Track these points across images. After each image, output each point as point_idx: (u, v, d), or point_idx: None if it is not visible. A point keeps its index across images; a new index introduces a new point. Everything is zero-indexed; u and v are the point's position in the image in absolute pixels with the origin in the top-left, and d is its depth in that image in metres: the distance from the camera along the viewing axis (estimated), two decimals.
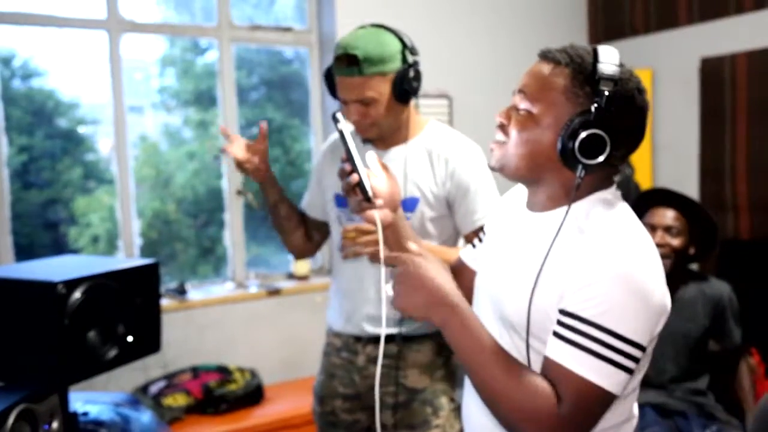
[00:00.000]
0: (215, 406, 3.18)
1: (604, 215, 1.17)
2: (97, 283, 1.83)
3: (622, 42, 4.29)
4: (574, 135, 1.13)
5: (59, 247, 3.92)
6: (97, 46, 3.41)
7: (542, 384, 1.09)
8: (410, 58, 1.85)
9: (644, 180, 4.07)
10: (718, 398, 2.59)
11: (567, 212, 1.17)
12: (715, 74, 3.74)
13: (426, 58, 3.85)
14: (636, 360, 1.09)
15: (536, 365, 1.17)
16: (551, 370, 1.10)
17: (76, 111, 4.11)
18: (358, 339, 2.02)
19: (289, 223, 2.11)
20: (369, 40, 1.80)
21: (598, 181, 1.21)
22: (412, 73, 1.83)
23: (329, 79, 1.91)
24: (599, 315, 1.07)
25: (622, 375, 1.08)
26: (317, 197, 2.14)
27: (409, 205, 1.90)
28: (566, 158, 1.15)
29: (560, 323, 1.11)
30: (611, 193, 1.23)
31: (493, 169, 1.28)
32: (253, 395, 3.27)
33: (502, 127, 1.24)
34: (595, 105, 1.13)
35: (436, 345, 2.00)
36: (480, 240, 1.50)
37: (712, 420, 2.49)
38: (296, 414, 3.10)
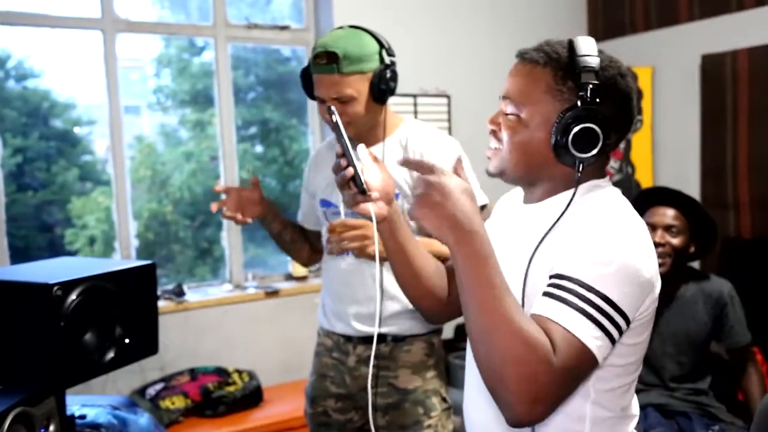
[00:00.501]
0: (214, 408, 3.16)
1: (596, 199, 1.20)
2: (93, 285, 1.80)
3: (622, 40, 4.27)
4: (565, 131, 1.15)
5: (55, 249, 3.90)
6: (92, 46, 3.39)
7: (542, 335, 1.05)
8: (387, 59, 1.87)
9: (645, 178, 4.06)
10: (720, 398, 2.57)
11: (572, 199, 1.18)
12: (716, 71, 3.72)
13: (425, 57, 3.87)
14: (620, 330, 1.09)
15: None
16: (539, 325, 1.07)
17: (72, 112, 4.09)
18: (348, 339, 2.02)
19: (294, 245, 2.21)
20: (348, 39, 1.83)
21: (592, 170, 1.23)
22: (389, 74, 1.86)
23: (305, 78, 1.93)
24: (594, 280, 1.07)
25: (606, 341, 1.08)
26: (310, 210, 2.18)
27: None
28: (561, 155, 1.17)
29: (551, 285, 1.10)
30: (604, 181, 1.26)
31: (492, 175, 1.29)
32: (252, 397, 3.26)
33: (494, 133, 1.26)
34: (580, 99, 1.15)
35: (427, 345, 2.01)
36: None
37: (714, 420, 2.48)
38: (295, 416, 3.07)
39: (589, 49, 1.17)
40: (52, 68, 3.81)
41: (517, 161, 1.22)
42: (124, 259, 3.41)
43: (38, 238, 3.89)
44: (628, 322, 1.10)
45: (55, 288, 1.69)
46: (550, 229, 1.17)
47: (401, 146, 1.95)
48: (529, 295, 1.16)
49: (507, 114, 1.23)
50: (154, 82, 4.29)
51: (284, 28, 3.81)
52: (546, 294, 1.10)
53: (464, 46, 4.06)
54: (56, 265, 2.03)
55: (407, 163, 1.21)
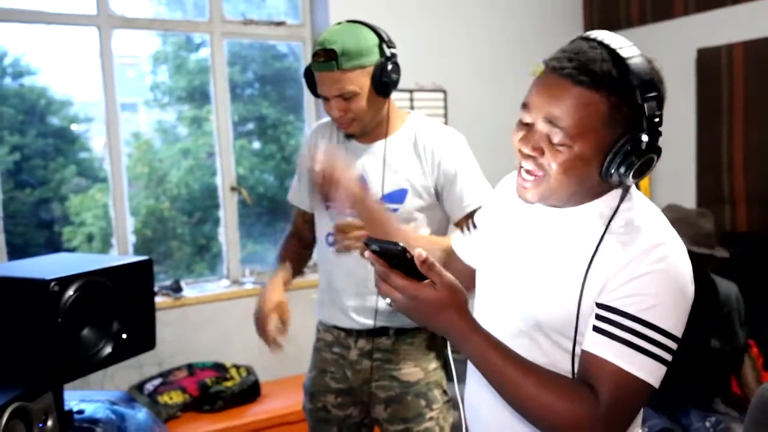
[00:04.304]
0: (211, 404, 3.17)
1: (636, 210, 1.15)
2: (90, 281, 1.81)
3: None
4: (624, 162, 1.08)
5: (53, 246, 3.90)
6: (88, 43, 3.39)
7: (576, 388, 1.08)
8: (388, 51, 1.85)
9: None
10: (715, 390, 2.59)
11: (614, 214, 1.13)
12: (711, 65, 3.73)
13: (421, 52, 3.87)
14: (673, 352, 1.08)
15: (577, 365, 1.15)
16: (592, 365, 1.08)
17: (69, 109, 4.09)
18: (349, 333, 2.01)
19: (302, 268, 2.20)
20: (346, 34, 1.81)
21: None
22: (390, 66, 1.84)
23: (309, 77, 1.91)
24: (643, 311, 1.06)
25: (663, 368, 1.08)
26: (302, 187, 2.13)
27: (398, 196, 1.91)
28: (616, 182, 1.11)
29: (601, 318, 1.09)
30: (634, 192, 1.20)
31: (528, 202, 1.19)
32: (250, 392, 3.27)
33: (532, 159, 1.13)
34: (645, 131, 1.08)
35: (429, 338, 2.01)
36: (470, 228, 1.48)
37: (711, 412, 2.49)
38: (293, 411, 3.08)
39: (640, 65, 1.08)
40: (48, 65, 3.81)
41: (567, 189, 1.13)
42: (121, 255, 3.42)
43: (36, 235, 3.89)
44: (679, 341, 1.09)
45: (53, 284, 1.70)
46: (596, 249, 1.12)
47: (410, 141, 1.94)
48: (585, 312, 1.12)
49: (553, 143, 1.10)
50: (151, 79, 4.28)
51: (280, 24, 3.81)
52: (596, 329, 1.09)
53: (460, 41, 4.06)
54: (53, 262, 2.03)
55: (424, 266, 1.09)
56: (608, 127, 1.08)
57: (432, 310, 1.08)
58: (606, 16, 4.36)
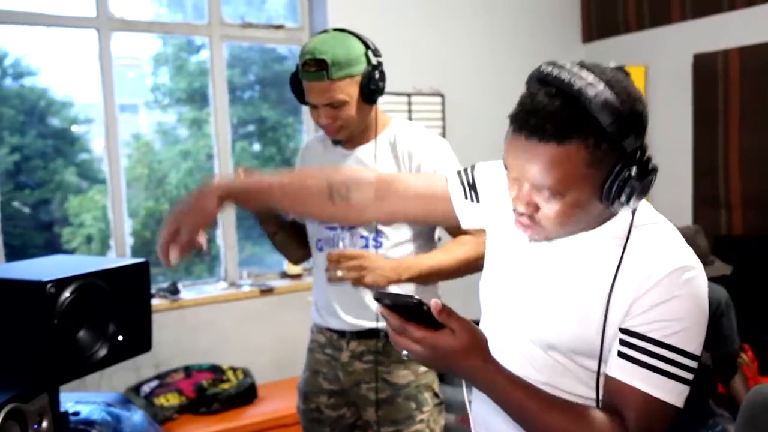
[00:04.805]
0: (208, 406, 3.18)
1: (652, 228, 1.13)
2: (86, 283, 1.81)
3: (615, 39, 4.29)
4: (628, 191, 1.05)
5: (52, 247, 3.90)
6: (88, 45, 3.40)
7: (603, 418, 1.08)
8: (374, 60, 1.88)
9: None
10: (707, 391, 2.59)
11: (628, 234, 1.12)
12: (708, 70, 3.74)
13: (419, 56, 3.89)
14: (694, 371, 1.09)
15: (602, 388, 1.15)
16: (618, 391, 1.09)
17: (69, 110, 4.10)
18: (341, 335, 2.02)
19: (288, 247, 2.19)
20: (335, 44, 1.83)
21: None
22: (377, 74, 1.87)
23: (295, 84, 1.94)
24: (668, 336, 1.06)
25: (687, 388, 1.08)
26: None
27: None
28: (614, 207, 1.08)
29: (626, 343, 1.08)
30: (642, 203, 1.16)
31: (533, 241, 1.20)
32: (246, 394, 3.27)
33: (526, 215, 1.11)
34: (635, 162, 1.05)
35: None
36: (469, 190, 1.38)
37: (709, 416, 2.49)
38: (289, 413, 3.07)
39: (605, 100, 1.01)
40: (49, 66, 3.82)
41: (570, 231, 1.14)
42: (119, 257, 3.42)
43: (35, 236, 3.90)
44: (699, 359, 1.10)
45: (49, 285, 1.70)
46: (616, 273, 1.10)
47: (390, 145, 1.97)
48: (609, 335, 1.11)
49: (543, 198, 1.08)
50: (152, 81, 4.29)
51: (279, 27, 3.82)
52: (621, 355, 1.09)
53: (458, 45, 4.07)
54: (50, 263, 2.04)
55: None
56: (594, 168, 1.04)
57: (454, 357, 1.06)
58: (603, 21, 4.38)
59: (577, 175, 1.03)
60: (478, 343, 1.07)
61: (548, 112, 1.02)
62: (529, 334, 1.19)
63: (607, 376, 1.11)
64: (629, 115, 1.02)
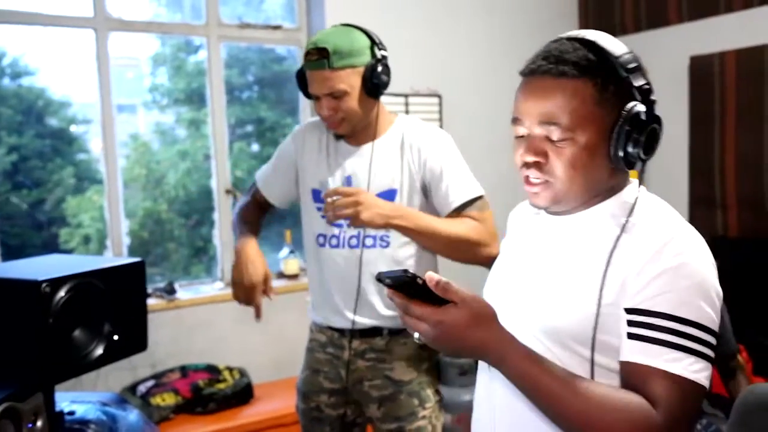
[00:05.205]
0: (204, 406, 3.18)
1: (646, 207, 1.13)
2: (82, 282, 1.82)
3: None
4: (629, 140, 1.08)
5: (50, 247, 3.90)
6: (86, 45, 3.40)
7: (630, 398, 1.01)
8: (379, 54, 1.89)
9: (634, 178, 4.08)
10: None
11: (632, 210, 1.12)
12: (704, 73, 3.75)
13: (417, 57, 3.89)
14: (713, 347, 1.03)
15: (598, 377, 1.09)
16: (636, 374, 1.02)
17: (67, 110, 4.10)
18: (342, 333, 2.02)
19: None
20: (338, 34, 1.85)
21: (623, 174, 1.17)
22: (381, 68, 1.87)
23: (301, 78, 1.94)
24: (675, 308, 1.01)
25: (709, 366, 1.02)
26: (280, 182, 2.16)
27: (388, 197, 1.93)
28: (623, 164, 1.10)
29: (634, 323, 1.03)
30: (640, 186, 1.19)
31: (541, 208, 1.19)
32: (242, 394, 3.27)
33: (537, 166, 1.12)
34: (638, 102, 1.09)
35: None
36: None
37: (701, 414, 2.50)
38: (285, 413, 3.09)
39: (612, 43, 1.10)
40: (47, 66, 3.82)
41: (579, 187, 1.12)
42: (115, 257, 3.43)
43: (33, 236, 3.90)
44: (716, 336, 1.05)
45: (44, 285, 1.71)
46: (613, 250, 1.09)
47: (397, 142, 1.96)
48: (604, 315, 1.07)
49: (553, 141, 1.09)
50: (150, 81, 4.30)
51: (276, 27, 3.83)
52: (632, 336, 1.04)
53: (456, 46, 4.08)
54: (46, 263, 2.05)
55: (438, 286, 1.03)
56: (602, 109, 1.08)
57: (461, 331, 1.01)
58: (601, 22, 4.38)
59: (587, 113, 1.08)
60: (484, 313, 1.03)
61: (561, 51, 1.10)
62: (528, 323, 1.17)
63: (621, 364, 1.05)
64: (633, 60, 1.09)
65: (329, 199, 1.79)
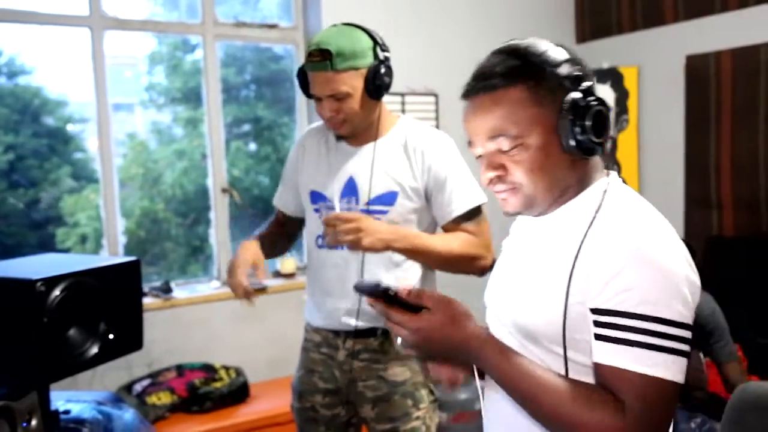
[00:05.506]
0: (200, 404, 3.18)
1: (616, 201, 1.13)
2: (77, 281, 1.82)
3: (609, 40, 4.30)
4: (575, 127, 1.09)
5: (47, 247, 3.90)
6: (82, 43, 3.40)
7: (600, 397, 1.02)
8: (381, 55, 1.87)
9: (630, 177, 4.09)
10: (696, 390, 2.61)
11: (600, 205, 1.12)
12: (700, 72, 3.76)
13: (413, 56, 3.89)
14: (688, 341, 1.02)
15: (574, 374, 1.09)
16: (606, 376, 1.03)
17: (64, 109, 4.10)
18: (337, 334, 2.02)
19: (274, 254, 2.21)
20: (341, 36, 1.83)
21: (587, 164, 1.16)
22: (383, 69, 1.86)
23: (302, 77, 1.93)
24: (638, 305, 1.00)
25: (682, 359, 1.01)
26: (290, 193, 2.17)
27: (389, 198, 1.93)
28: (582, 150, 1.10)
29: (600, 324, 1.03)
30: (612, 177, 1.18)
31: (513, 214, 1.21)
32: (239, 393, 3.28)
33: (499, 179, 1.15)
34: (574, 90, 1.11)
35: None
36: None
37: (696, 411, 2.51)
38: (281, 412, 3.09)
39: (534, 44, 1.14)
40: (43, 65, 3.81)
41: (545, 187, 1.13)
42: (111, 256, 3.43)
43: (29, 236, 3.89)
44: (691, 328, 1.03)
45: (39, 284, 1.71)
46: (579, 248, 1.09)
47: (400, 144, 1.96)
48: (570, 320, 1.08)
49: (506, 151, 1.12)
50: (147, 80, 4.29)
51: (273, 26, 3.83)
52: (599, 337, 1.03)
53: (452, 45, 4.08)
54: (41, 262, 2.05)
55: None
56: (541, 108, 1.10)
57: (437, 332, 1.06)
58: (597, 22, 4.39)
59: (528, 116, 1.10)
60: (458, 313, 1.08)
61: (487, 66, 1.15)
62: (505, 322, 1.20)
63: (594, 364, 1.05)
64: (558, 53, 1.13)
65: (330, 225, 1.78)
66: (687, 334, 1.03)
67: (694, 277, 1.07)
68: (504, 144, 1.11)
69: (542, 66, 1.11)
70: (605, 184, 1.16)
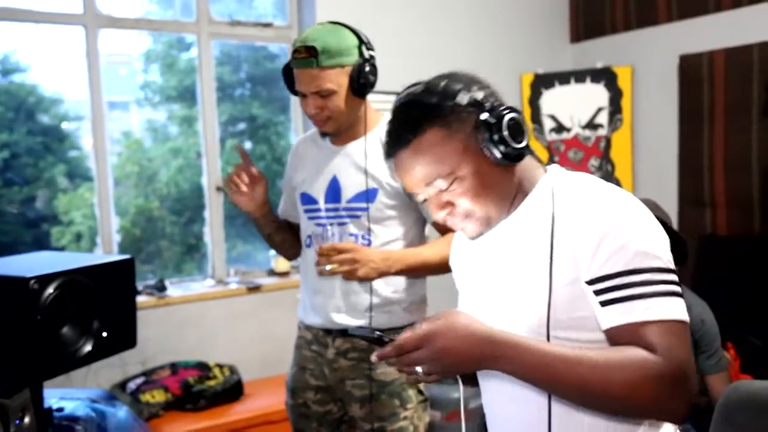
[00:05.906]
0: (194, 402, 3.18)
1: (569, 186, 1.18)
2: (70, 279, 1.82)
3: (602, 39, 4.31)
4: (497, 141, 1.14)
5: (41, 245, 3.90)
6: (77, 41, 3.40)
7: (630, 353, 1.04)
8: (366, 53, 1.89)
9: (624, 176, 4.10)
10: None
11: (554, 195, 1.18)
12: (693, 71, 3.77)
13: (407, 54, 3.90)
14: (678, 283, 1.08)
15: None
16: (623, 335, 1.06)
17: (59, 107, 4.09)
18: (327, 332, 2.04)
19: (284, 245, 2.22)
20: (327, 33, 1.85)
21: (531, 167, 1.24)
22: (368, 68, 1.88)
23: (288, 74, 1.94)
24: (630, 261, 1.06)
25: (681, 300, 1.08)
26: (290, 202, 2.20)
27: (370, 195, 1.95)
28: (511, 158, 1.16)
29: (601, 291, 1.08)
30: (552, 169, 1.25)
31: (477, 238, 1.26)
32: (233, 391, 3.28)
33: (451, 214, 1.21)
34: (479, 112, 1.16)
35: None
36: None
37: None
38: (275, 410, 3.10)
39: (429, 87, 1.18)
40: (38, 63, 3.81)
41: (495, 203, 1.20)
42: (105, 254, 3.43)
43: (24, 233, 3.89)
44: (676, 272, 1.10)
45: (32, 281, 1.71)
46: (552, 241, 1.14)
47: (381, 142, 1.97)
48: (563, 294, 1.11)
49: (446, 190, 1.18)
50: (142, 78, 4.29)
51: (267, 25, 3.83)
52: (605, 303, 1.08)
53: (446, 44, 4.08)
54: (34, 259, 2.05)
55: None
56: (458, 138, 1.16)
57: (446, 340, 1.07)
58: (591, 22, 4.40)
59: (451, 151, 1.16)
60: (458, 317, 1.09)
61: (396, 125, 1.20)
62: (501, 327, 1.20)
63: (607, 334, 1.09)
64: (453, 81, 1.18)
65: (324, 255, 1.82)
66: (675, 277, 1.09)
67: (657, 223, 1.14)
68: (441, 184, 1.17)
69: (442, 104, 1.16)
70: (550, 178, 1.22)
